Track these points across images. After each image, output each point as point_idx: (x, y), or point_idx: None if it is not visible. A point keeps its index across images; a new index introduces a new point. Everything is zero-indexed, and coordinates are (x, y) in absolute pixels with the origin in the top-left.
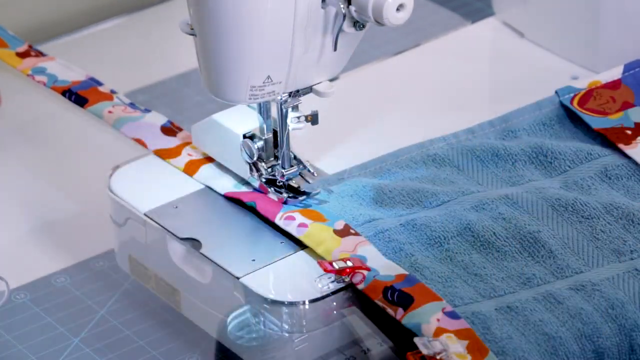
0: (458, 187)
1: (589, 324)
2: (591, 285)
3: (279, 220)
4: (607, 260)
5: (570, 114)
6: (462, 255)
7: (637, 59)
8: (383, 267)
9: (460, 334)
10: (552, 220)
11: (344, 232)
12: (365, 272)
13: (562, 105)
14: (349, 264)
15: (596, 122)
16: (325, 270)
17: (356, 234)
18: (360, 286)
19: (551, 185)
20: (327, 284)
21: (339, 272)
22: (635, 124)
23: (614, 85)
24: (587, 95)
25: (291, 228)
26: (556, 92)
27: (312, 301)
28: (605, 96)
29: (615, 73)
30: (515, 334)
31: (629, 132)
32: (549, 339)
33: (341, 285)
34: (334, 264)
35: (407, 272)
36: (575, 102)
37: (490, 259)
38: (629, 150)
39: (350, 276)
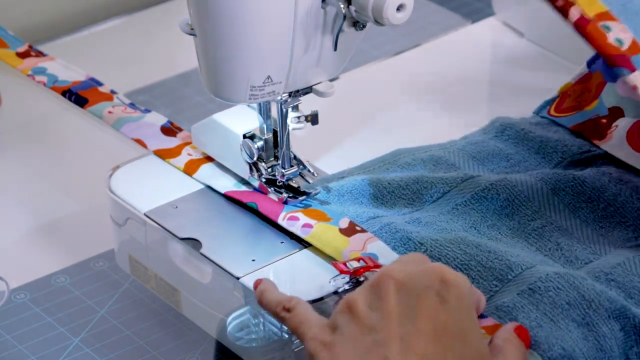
0: (456, 174)
1: (615, 302)
2: (604, 275)
3: (282, 221)
4: (614, 246)
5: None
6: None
7: (594, 54)
8: None
9: (490, 330)
10: (554, 204)
11: (349, 230)
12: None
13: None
14: (362, 263)
15: (571, 120)
16: (341, 271)
17: (362, 230)
18: None
19: (547, 172)
20: (342, 285)
21: (354, 273)
22: (609, 109)
23: (585, 79)
24: (562, 99)
25: (295, 228)
26: (533, 112)
27: (312, 301)
28: (579, 90)
29: (581, 70)
30: (544, 321)
31: (604, 120)
32: (578, 325)
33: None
34: (347, 264)
35: None
36: (552, 110)
37: (501, 248)
38: (603, 144)
39: (365, 276)
